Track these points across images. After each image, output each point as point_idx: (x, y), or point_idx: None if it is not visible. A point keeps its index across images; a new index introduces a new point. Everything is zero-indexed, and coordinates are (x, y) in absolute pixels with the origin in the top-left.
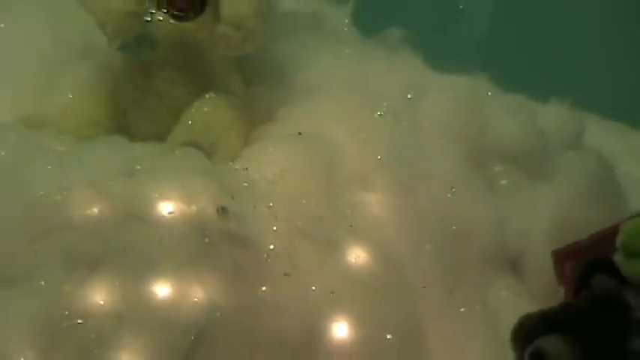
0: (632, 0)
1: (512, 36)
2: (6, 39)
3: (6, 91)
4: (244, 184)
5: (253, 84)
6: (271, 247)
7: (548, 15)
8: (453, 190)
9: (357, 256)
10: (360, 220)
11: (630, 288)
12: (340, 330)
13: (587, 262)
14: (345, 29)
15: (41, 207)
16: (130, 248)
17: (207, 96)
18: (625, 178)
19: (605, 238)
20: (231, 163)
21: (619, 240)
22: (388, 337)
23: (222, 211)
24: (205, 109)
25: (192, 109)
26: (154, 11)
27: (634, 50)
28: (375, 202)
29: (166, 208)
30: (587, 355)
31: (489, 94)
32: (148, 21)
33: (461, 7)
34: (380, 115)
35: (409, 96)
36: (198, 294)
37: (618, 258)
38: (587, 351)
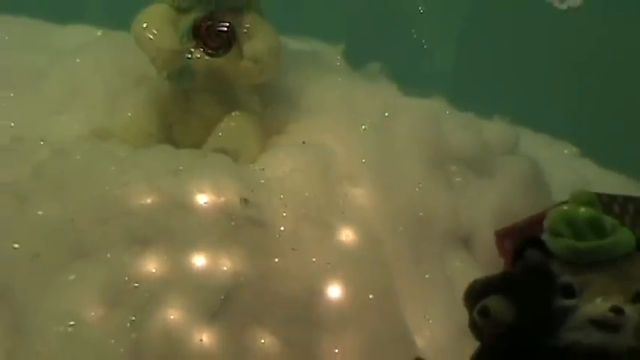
0: (554, 40)
1: (466, 69)
2: (82, 70)
3: (81, 111)
4: (261, 181)
5: (268, 104)
6: (282, 228)
7: (493, 52)
8: (420, 185)
9: (347, 235)
10: (350, 208)
11: (554, 260)
12: (334, 292)
13: (521, 239)
14: (338, 63)
15: (107, 198)
16: (174, 229)
17: (233, 114)
18: (550, 177)
19: (536, 222)
20: (251, 165)
21: (546, 223)
22: (370, 296)
23: (245, 201)
24: (232, 124)
25: (222, 124)
26: (193, 50)
27: (554, 78)
28: (360, 195)
29: (202, 199)
30: (521, 311)
31: (447, 112)
32: (188, 57)
33: (425, 47)
34: (364, 129)
35: (386, 114)
36: (226, 264)
37: (545, 237)
38: (521, 308)
